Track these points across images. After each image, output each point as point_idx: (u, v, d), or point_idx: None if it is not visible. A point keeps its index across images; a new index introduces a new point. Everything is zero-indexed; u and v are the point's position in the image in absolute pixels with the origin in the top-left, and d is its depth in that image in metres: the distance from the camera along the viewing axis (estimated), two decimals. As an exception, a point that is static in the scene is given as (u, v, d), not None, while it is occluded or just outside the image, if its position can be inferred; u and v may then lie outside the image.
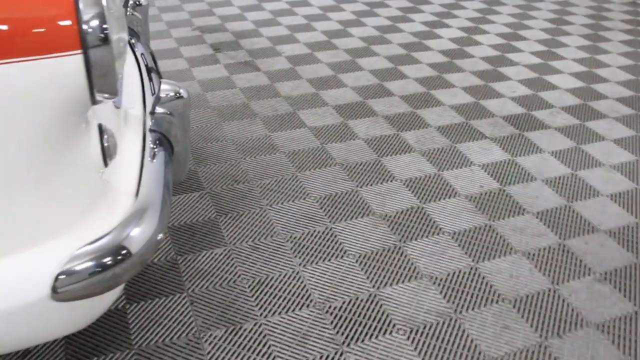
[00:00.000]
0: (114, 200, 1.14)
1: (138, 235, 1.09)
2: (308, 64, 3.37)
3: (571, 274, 1.91)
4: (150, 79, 1.70)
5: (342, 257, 1.94)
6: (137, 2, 2.02)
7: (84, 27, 0.93)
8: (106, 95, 1.00)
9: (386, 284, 1.85)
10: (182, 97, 1.41)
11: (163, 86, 1.39)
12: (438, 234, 2.06)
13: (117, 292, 1.24)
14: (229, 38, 3.73)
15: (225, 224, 2.08)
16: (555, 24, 4.24)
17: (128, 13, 2.01)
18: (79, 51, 0.93)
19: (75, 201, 1.05)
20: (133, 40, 1.68)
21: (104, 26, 0.93)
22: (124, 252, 1.06)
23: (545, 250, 2.00)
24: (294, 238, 2.01)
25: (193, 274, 1.86)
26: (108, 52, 0.95)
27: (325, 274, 1.87)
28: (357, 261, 1.93)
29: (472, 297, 1.81)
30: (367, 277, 1.86)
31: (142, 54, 1.75)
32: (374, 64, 3.38)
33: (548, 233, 2.08)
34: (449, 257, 1.96)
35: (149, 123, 1.38)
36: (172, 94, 1.39)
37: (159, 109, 1.39)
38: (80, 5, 0.93)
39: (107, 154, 1.11)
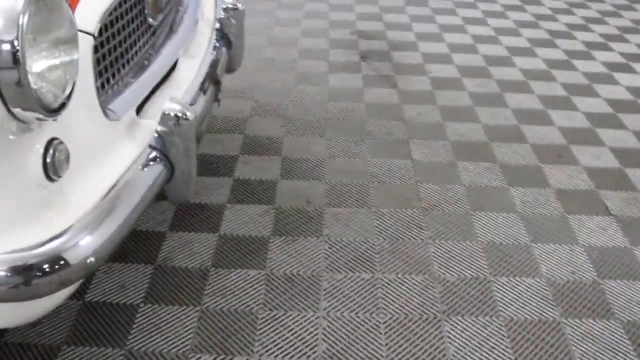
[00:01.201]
0: (57, 213, 1.12)
1: (56, 254, 1.06)
2: (450, 89, 3.13)
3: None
4: (202, 88, 1.67)
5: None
6: (234, 6, 1.99)
7: None
8: (31, 114, 0.98)
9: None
10: (187, 119, 1.35)
11: (169, 105, 1.34)
12: None
13: (65, 291, 1.22)
14: (382, 48, 3.60)
15: (275, 245, 2.00)
16: None
17: (223, 17, 2.00)
18: None
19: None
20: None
21: (16, 49, 0.91)
22: (32, 270, 1.04)
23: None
24: (334, 279, 1.87)
25: (216, 289, 1.82)
26: (20, 73, 0.92)
27: (348, 327, 1.71)
28: None
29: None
30: None
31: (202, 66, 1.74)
32: (526, 103, 3.03)
33: None
34: None
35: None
36: (176, 114, 1.34)
37: (160, 127, 1.35)
38: None
39: (50, 169, 1.09)
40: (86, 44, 1.20)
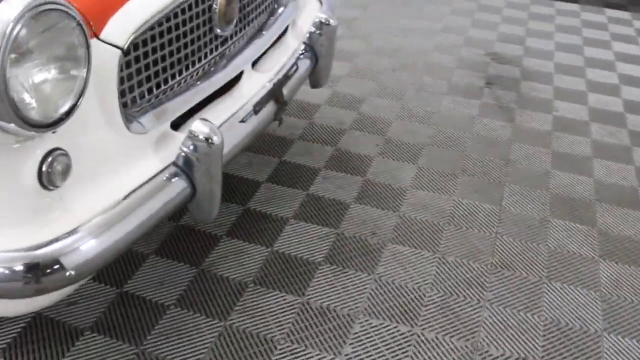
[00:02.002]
0: (53, 220, 1.14)
1: (39, 259, 1.08)
2: (572, 133, 2.83)
3: None
4: (261, 102, 1.63)
5: None
6: (326, 21, 1.93)
7: None
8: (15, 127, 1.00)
9: None
10: (212, 143, 1.31)
11: (198, 125, 1.31)
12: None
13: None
14: (512, 75, 3.35)
15: (322, 273, 1.93)
16: None
17: (315, 33, 1.94)
18: None
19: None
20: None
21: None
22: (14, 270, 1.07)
23: None
24: (368, 324, 1.76)
25: (247, 307, 1.79)
26: None
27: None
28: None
29: None
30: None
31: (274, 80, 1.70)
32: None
33: None
34: None
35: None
36: (203, 137, 1.30)
37: (184, 147, 1.33)
38: None
39: (45, 179, 1.11)
40: (112, 57, 1.21)
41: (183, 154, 1.34)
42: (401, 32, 3.79)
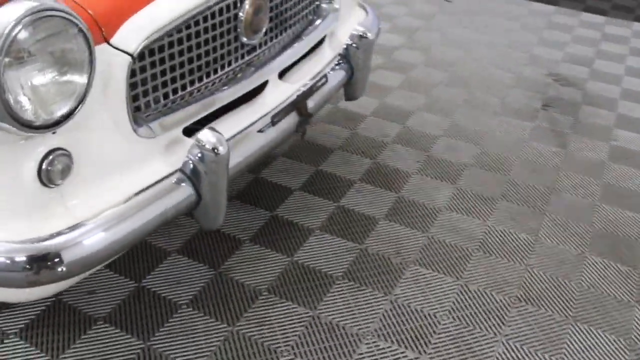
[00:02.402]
0: (51, 216, 1.18)
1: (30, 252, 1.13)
2: (628, 165, 2.68)
3: None
4: (281, 113, 1.63)
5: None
6: (364, 34, 1.90)
7: None
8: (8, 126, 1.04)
9: None
10: (218, 153, 1.32)
11: (205, 133, 1.32)
12: None
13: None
14: (573, 98, 3.21)
15: (338, 289, 1.91)
16: None
17: (352, 45, 1.93)
18: None
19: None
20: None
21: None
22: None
23: None
24: (375, 346, 1.73)
25: (257, 315, 1.80)
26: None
27: None
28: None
29: None
30: None
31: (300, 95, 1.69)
32: None
33: None
34: None
35: None
36: (208, 146, 1.31)
37: (189, 154, 1.34)
38: None
39: (44, 177, 1.15)
40: (122, 63, 1.23)
41: (189, 161, 1.35)
42: (462, 46, 3.70)
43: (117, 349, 1.67)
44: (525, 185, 2.49)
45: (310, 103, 1.74)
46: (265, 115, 1.61)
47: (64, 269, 1.15)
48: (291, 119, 1.68)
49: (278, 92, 1.70)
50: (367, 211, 2.26)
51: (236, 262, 1.98)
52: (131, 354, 1.66)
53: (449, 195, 2.39)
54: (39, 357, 1.63)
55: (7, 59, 1.03)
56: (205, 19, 1.42)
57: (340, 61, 1.93)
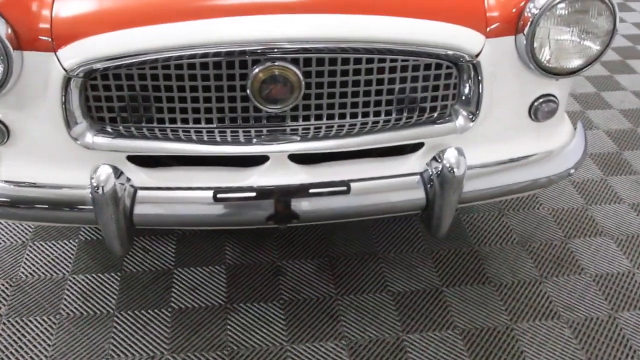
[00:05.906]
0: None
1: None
2: None
3: None
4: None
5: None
6: (449, 169, 1.57)
7: None
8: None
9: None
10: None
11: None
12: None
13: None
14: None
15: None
16: None
17: (431, 173, 1.63)
18: None
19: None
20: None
21: None
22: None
23: None
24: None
25: (261, 318, 1.96)
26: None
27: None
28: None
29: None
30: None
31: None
32: None
33: None
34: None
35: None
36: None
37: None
38: None
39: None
40: (57, 74, 1.42)
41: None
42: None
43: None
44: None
45: (299, 210, 1.56)
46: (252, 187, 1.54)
47: None
48: (265, 212, 1.56)
49: (276, 173, 1.59)
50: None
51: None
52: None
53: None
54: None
55: None
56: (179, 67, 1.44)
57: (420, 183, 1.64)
